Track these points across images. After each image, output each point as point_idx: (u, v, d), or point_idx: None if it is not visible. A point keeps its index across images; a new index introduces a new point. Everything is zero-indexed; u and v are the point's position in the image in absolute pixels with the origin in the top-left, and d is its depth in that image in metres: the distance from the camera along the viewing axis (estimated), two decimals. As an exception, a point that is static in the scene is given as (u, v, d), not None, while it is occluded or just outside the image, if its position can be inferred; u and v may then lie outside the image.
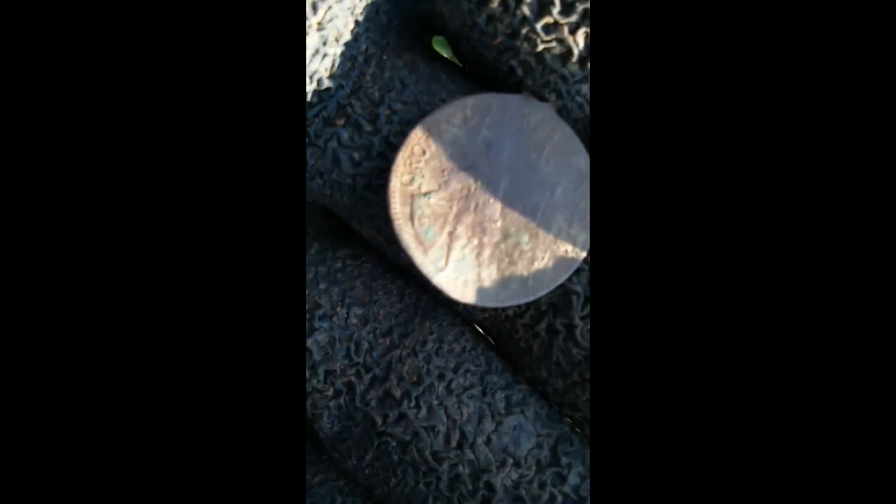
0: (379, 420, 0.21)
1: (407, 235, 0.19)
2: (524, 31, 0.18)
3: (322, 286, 0.21)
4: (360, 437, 0.21)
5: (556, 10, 0.18)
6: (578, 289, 0.19)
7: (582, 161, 0.19)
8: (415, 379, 0.21)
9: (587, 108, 0.19)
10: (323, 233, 0.22)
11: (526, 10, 0.18)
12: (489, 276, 0.19)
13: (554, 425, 0.21)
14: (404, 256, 0.20)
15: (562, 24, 0.18)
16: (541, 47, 0.18)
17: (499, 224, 0.19)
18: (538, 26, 0.18)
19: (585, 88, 0.19)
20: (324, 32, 0.19)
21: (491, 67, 0.20)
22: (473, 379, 0.21)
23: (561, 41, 0.18)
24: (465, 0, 0.19)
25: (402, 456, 0.21)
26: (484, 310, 0.21)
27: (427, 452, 0.20)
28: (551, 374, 0.21)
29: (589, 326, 0.19)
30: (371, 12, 0.20)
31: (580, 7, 0.18)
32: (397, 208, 0.19)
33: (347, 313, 0.21)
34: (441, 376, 0.21)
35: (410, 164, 0.19)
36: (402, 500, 0.22)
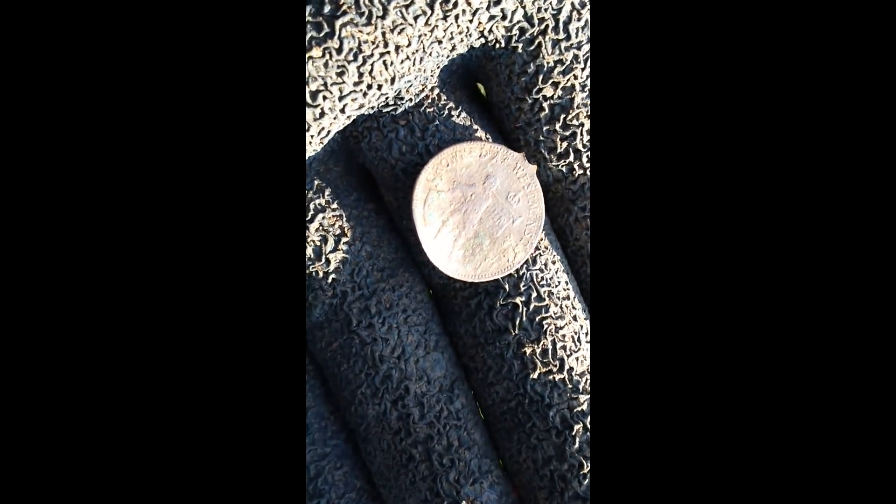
0: (354, 321, 0.28)
1: (417, 212, 0.27)
2: (534, 126, 0.28)
3: (351, 223, 0.29)
4: (336, 329, 0.28)
5: (558, 124, 0.27)
6: (506, 286, 0.28)
7: (539, 209, 0.28)
8: (388, 306, 0.28)
9: (551, 179, 0.28)
10: (362, 185, 0.30)
11: (541, 115, 0.27)
12: (456, 256, 0.27)
13: (458, 370, 0.29)
14: (408, 223, 0.28)
15: (556, 131, 0.28)
16: (541, 139, 0.28)
17: (475, 227, 0.27)
18: (543, 128, 0.28)
19: (557, 167, 0.28)
20: (413, 76, 0.27)
21: (505, 130, 0.29)
22: (421, 320, 0.28)
23: (553, 140, 0.28)
24: (508, 91, 0.28)
25: (360, 350, 0.27)
26: (442, 276, 0.29)
27: (377, 354, 0.27)
28: (466, 334, 0.28)
29: (504, 312, 0.28)
30: (447, 65, 0.28)
31: (571, 128, 0.27)
32: (418, 193, 0.27)
33: (361, 247, 0.28)
34: (404, 311, 0.28)
35: (437, 168, 0.27)
36: (344, 381, 0.28)
